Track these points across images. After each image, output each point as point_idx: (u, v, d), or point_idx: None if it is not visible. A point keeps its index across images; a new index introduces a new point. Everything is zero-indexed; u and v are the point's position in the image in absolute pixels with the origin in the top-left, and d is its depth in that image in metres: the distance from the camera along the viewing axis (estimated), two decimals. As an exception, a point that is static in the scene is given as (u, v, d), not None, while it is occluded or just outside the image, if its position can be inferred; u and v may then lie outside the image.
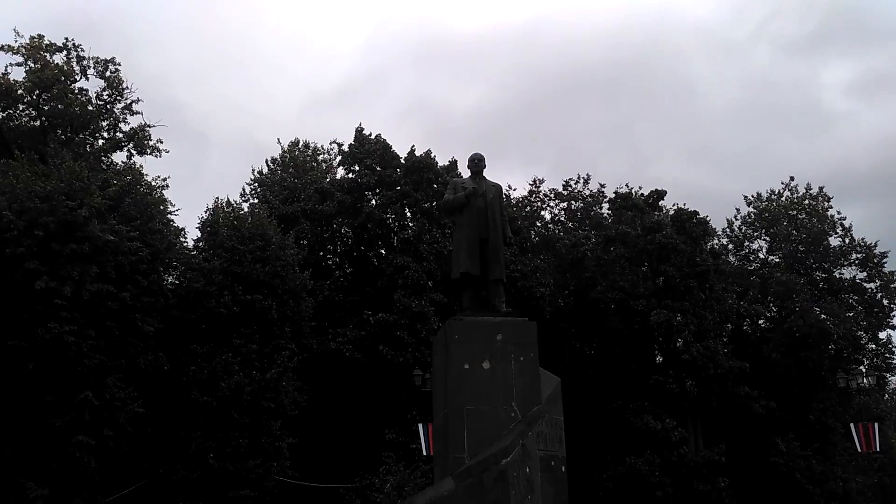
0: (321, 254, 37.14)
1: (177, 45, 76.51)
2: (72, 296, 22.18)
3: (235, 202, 32.97)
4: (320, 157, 40.83)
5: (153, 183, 27.20)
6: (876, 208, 70.02)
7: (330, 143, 39.91)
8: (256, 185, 38.93)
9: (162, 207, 26.61)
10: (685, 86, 78.47)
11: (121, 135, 28.82)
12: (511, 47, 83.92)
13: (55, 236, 22.49)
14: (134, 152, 28.78)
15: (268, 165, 39.95)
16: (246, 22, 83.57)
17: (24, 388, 22.37)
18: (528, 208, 44.87)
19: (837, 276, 44.03)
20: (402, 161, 35.76)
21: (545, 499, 13.44)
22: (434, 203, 39.14)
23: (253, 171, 39.77)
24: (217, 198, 29.02)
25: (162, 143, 29.10)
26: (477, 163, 15.56)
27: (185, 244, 28.71)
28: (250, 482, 25.33)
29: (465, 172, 16.50)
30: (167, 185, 27.13)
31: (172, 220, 27.60)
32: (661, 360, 40.18)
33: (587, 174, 45.17)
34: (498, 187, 15.59)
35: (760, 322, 43.61)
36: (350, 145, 36.25)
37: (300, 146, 41.41)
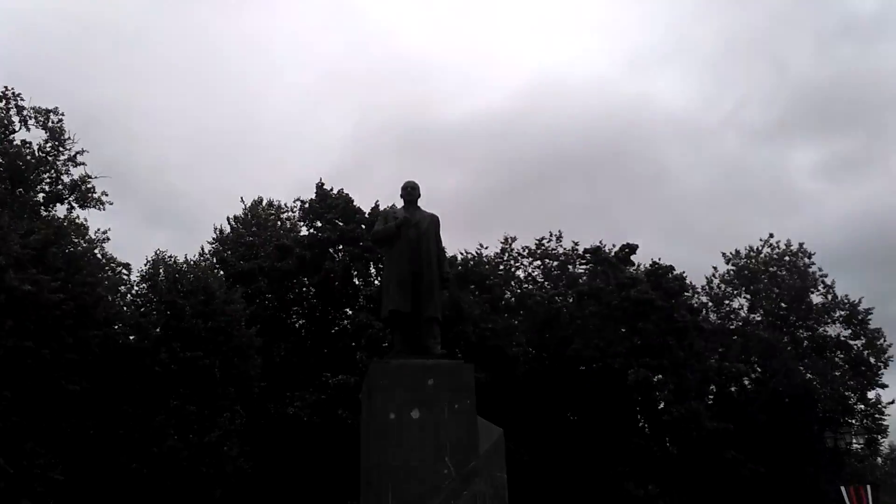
0: (282, 315, 35.41)
1: (175, 137, 78.70)
2: (-16, 352, 20.39)
3: (192, 260, 31.25)
4: (284, 216, 39.42)
5: (93, 236, 25.64)
6: (845, 284, 70.69)
7: (293, 201, 38.55)
8: (217, 244, 37.36)
9: (89, 257, 24.73)
10: (660, 170, 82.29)
11: (61, 187, 27.38)
12: (490, 136, 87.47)
13: (-32, 287, 20.75)
14: (75, 205, 27.37)
15: (229, 224, 38.48)
16: (242, 115, 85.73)
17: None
18: (502, 267, 43.48)
19: (822, 334, 42.49)
20: (367, 216, 34.44)
21: (483, 571, 11.58)
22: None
23: (215, 229, 38.27)
24: (157, 250, 27.42)
25: (107, 195, 27.69)
26: (410, 191, 14.10)
27: (120, 300, 26.81)
28: (188, 559, 23.03)
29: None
30: (107, 239, 25.57)
31: (108, 275, 25.84)
32: (642, 422, 38.32)
33: (559, 231, 44.00)
34: (433, 217, 14.09)
35: (745, 382, 41.84)
36: (311, 200, 34.95)
37: (263, 204, 40.04)
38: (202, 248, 35.53)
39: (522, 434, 36.06)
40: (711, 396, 40.02)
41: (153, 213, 70.39)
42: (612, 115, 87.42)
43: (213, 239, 37.65)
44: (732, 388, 41.07)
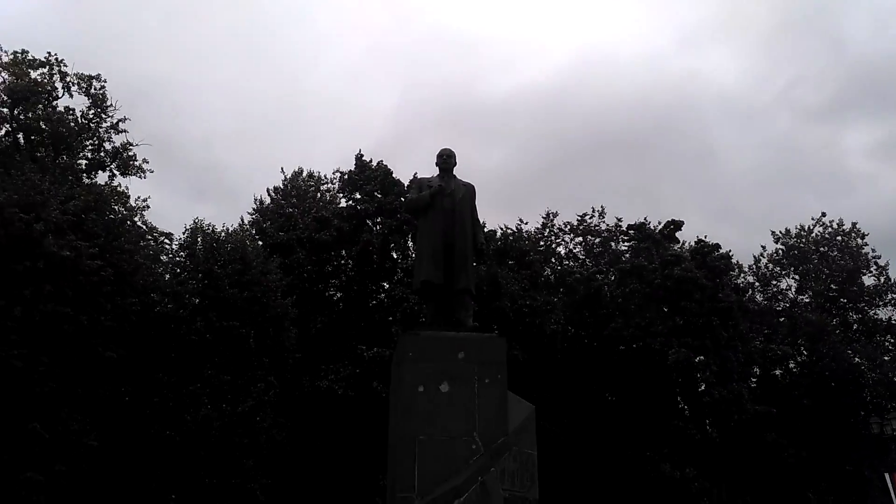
0: (320, 287, 35.31)
1: (220, 109, 79.15)
2: (22, 317, 20.48)
3: (230, 229, 31.12)
4: (323, 187, 39.26)
5: (133, 204, 25.73)
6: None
7: (333, 172, 38.37)
8: (257, 214, 37.37)
9: (130, 224, 24.82)
10: (708, 149, 79.86)
11: (103, 154, 27.49)
12: (535, 112, 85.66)
13: (7, 252, 20.86)
14: (117, 173, 27.47)
15: (269, 195, 38.46)
16: (287, 89, 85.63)
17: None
18: (542, 243, 42.88)
19: (873, 317, 41.19)
20: (406, 188, 34.05)
21: (511, 549, 11.25)
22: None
23: (255, 200, 38.28)
24: (196, 219, 27.41)
25: (148, 162, 27.76)
26: (446, 159, 13.66)
27: (160, 268, 26.84)
28: (219, 527, 23.13)
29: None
30: (147, 207, 25.64)
31: (149, 243, 25.92)
32: (681, 404, 37.61)
33: (602, 206, 43.22)
34: (469, 187, 13.64)
35: (790, 365, 40.78)
36: (350, 171, 34.68)
37: (303, 176, 39.92)
38: (242, 220, 35.55)
39: (558, 413, 35.63)
40: (755, 379, 39.10)
41: (199, 186, 71.09)
42: (660, 92, 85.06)
43: (253, 210, 37.67)
44: (777, 371, 40.08)
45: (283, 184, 38.90)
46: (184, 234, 27.36)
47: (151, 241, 27.03)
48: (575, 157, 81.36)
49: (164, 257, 27.22)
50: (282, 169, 39.22)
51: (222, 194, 74.91)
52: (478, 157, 77.46)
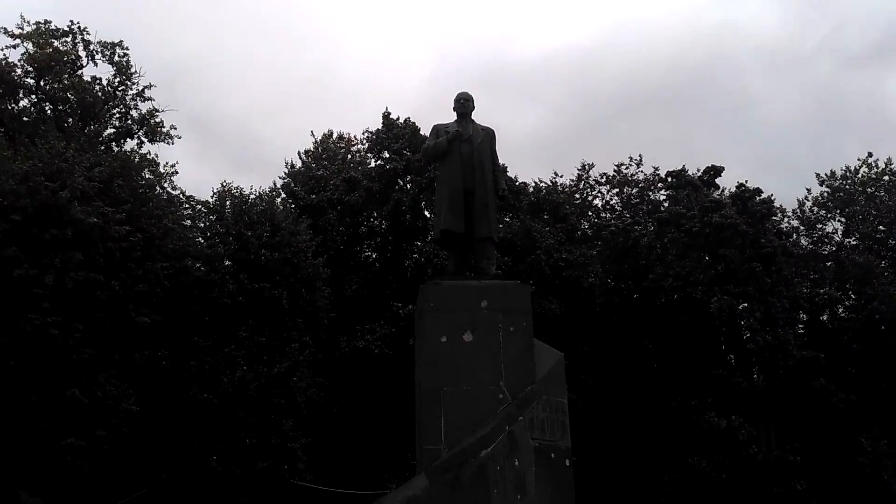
0: (354, 248, 35.19)
1: (258, 83, 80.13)
2: (54, 285, 20.60)
3: (258, 192, 30.87)
4: (353, 148, 38.98)
5: (163, 171, 25.68)
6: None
7: (362, 133, 37.99)
8: (289, 179, 37.25)
9: (160, 189, 24.78)
10: (747, 101, 78.18)
11: (130, 122, 27.48)
12: (570, 71, 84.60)
13: (34, 221, 20.97)
14: (145, 140, 27.47)
15: (301, 158, 38.29)
16: (323, 60, 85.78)
17: (5, 386, 20.75)
18: (578, 196, 42.16)
19: (923, 257, 39.82)
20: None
21: (542, 500, 10.96)
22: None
23: (286, 164, 38.15)
24: (224, 182, 27.28)
25: (175, 129, 27.68)
26: (463, 103, 13.16)
27: (191, 233, 26.77)
28: (260, 486, 23.28)
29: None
30: (176, 172, 25.57)
31: (180, 208, 25.88)
32: (727, 353, 36.90)
33: (640, 156, 42.23)
34: (489, 131, 13.15)
35: (839, 310, 39.69)
36: (377, 130, 34.28)
37: (334, 138, 39.66)
38: (273, 183, 35.48)
39: (599, 366, 35.28)
40: (801, 326, 38.16)
41: (240, 160, 71.79)
42: (697, 46, 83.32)
43: (285, 174, 37.54)
44: (825, 317, 39.05)
45: (314, 146, 38.67)
46: (212, 197, 27.34)
47: (183, 207, 26.97)
48: (611, 116, 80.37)
49: (188, 222, 27.10)
50: (311, 132, 39.02)
51: (263, 166, 75.76)
52: (513, 118, 76.85)
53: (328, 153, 38.15)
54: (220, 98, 76.51)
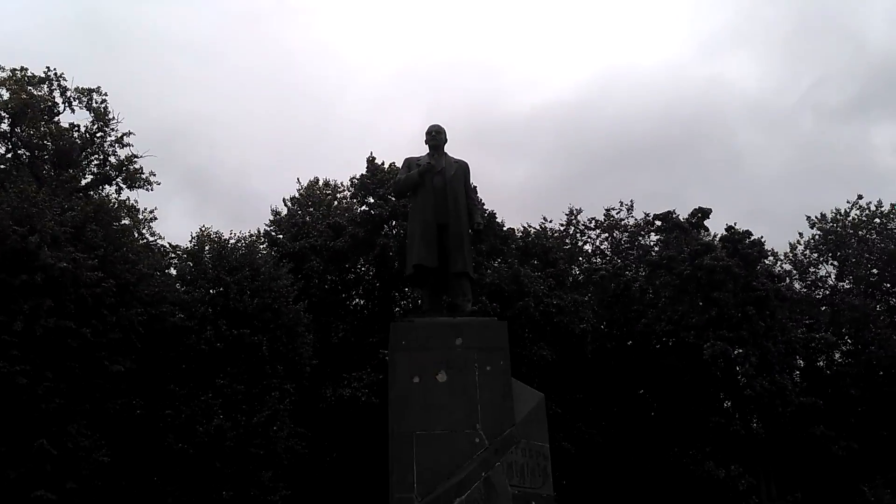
0: (342, 296, 34.52)
1: (255, 142, 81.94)
2: (24, 332, 19.86)
3: (238, 236, 30.07)
4: (340, 195, 38.54)
5: (142, 217, 25.10)
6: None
7: (348, 179, 37.63)
8: (273, 226, 36.70)
9: (137, 235, 24.12)
10: (734, 153, 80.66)
11: (108, 168, 27.02)
12: (559, 127, 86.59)
13: (3, 266, 20.21)
14: (123, 186, 26.98)
15: (286, 205, 37.80)
16: (318, 117, 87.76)
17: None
18: (568, 241, 41.73)
19: (919, 300, 39.29)
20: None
21: (521, 552, 10.20)
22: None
23: (271, 211, 37.64)
24: (203, 226, 26.73)
25: (154, 175, 27.25)
26: (434, 135, 12.71)
27: (165, 279, 26.07)
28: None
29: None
30: (154, 218, 24.99)
31: (156, 253, 25.22)
32: (723, 399, 36.05)
33: (630, 201, 41.98)
34: (462, 164, 12.68)
35: (836, 356, 39.00)
36: (362, 176, 33.91)
37: (319, 185, 39.27)
38: (258, 230, 34.91)
39: (593, 413, 34.41)
40: (798, 371, 37.46)
41: (237, 215, 72.29)
42: (684, 101, 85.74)
43: (270, 221, 37.00)
44: (821, 362, 38.36)
45: (299, 193, 38.24)
46: (191, 242, 26.72)
47: (161, 253, 26.32)
48: (600, 169, 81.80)
49: (172, 270, 26.45)
50: (298, 179, 38.62)
51: (260, 220, 75.98)
52: (503, 171, 77.97)
53: (313, 200, 37.67)
54: (217, 154, 78.08)
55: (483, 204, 36.13)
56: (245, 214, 75.95)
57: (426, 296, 12.15)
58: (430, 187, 12.13)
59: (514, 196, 75.01)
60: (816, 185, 79.41)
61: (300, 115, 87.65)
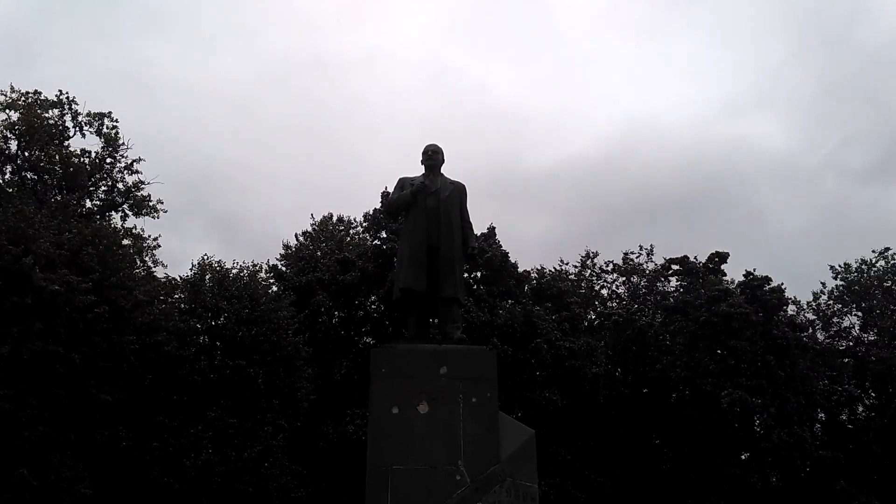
0: (350, 331, 33.85)
1: (284, 189, 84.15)
2: (10, 356, 19.31)
3: (239, 265, 29.47)
4: (353, 231, 38.18)
5: (148, 243, 24.71)
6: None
7: (363, 215, 37.28)
8: (284, 260, 36.30)
9: (139, 262, 23.63)
10: (756, 212, 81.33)
11: (115, 194, 26.80)
12: (580, 181, 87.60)
13: (-6, 287, 19.85)
14: (129, 213, 26.71)
15: (297, 240, 37.46)
16: (346, 167, 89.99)
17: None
18: (584, 285, 40.92)
19: (947, 355, 37.81)
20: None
21: None
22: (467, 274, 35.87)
23: (283, 245, 37.29)
24: (205, 255, 26.26)
25: (162, 203, 26.99)
26: (431, 155, 12.18)
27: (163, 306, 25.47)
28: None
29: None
30: (158, 245, 24.64)
31: (154, 281, 24.77)
32: (743, 453, 34.72)
33: (650, 245, 41.15)
34: (458, 186, 12.12)
35: (859, 409, 37.61)
36: (374, 210, 33.49)
37: (333, 220, 38.94)
38: (267, 262, 34.46)
39: (604, 462, 33.24)
40: (819, 424, 36.13)
41: (263, 256, 73.69)
42: (706, 160, 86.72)
43: (280, 256, 36.62)
44: (843, 416, 36.98)
45: (312, 228, 37.91)
46: (191, 270, 26.25)
47: (167, 282, 25.86)
48: (620, 224, 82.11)
49: (171, 298, 25.86)
50: (311, 215, 38.37)
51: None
52: (523, 225, 78.50)
53: (325, 235, 37.31)
54: (246, 200, 79.99)
55: (500, 246, 35.66)
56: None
57: (413, 322, 11.50)
58: (423, 208, 11.57)
59: (532, 249, 75.27)
60: (838, 244, 79.31)
61: (329, 163, 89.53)
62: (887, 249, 40.69)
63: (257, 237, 75.99)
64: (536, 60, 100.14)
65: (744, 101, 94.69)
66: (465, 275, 35.19)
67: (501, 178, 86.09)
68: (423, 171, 12.17)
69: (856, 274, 40.77)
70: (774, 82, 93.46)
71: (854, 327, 40.16)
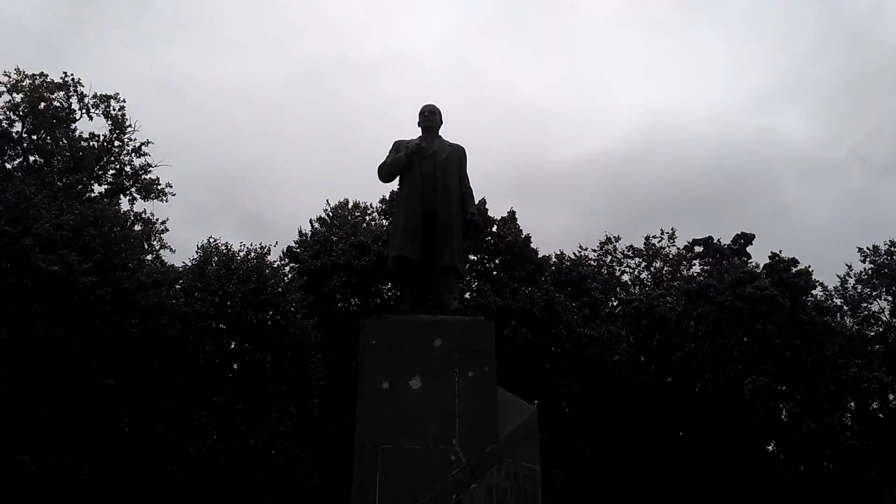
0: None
1: (312, 189, 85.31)
2: (9, 339, 18.81)
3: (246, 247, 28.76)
4: (368, 216, 37.46)
5: (157, 227, 24.19)
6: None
7: (378, 200, 36.59)
8: (299, 246, 35.68)
9: (132, 241, 23.02)
10: (781, 206, 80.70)
11: (123, 178, 26.34)
12: (603, 177, 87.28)
13: (-7, 268, 19.37)
14: (137, 196, 26.25)
15: (311, 226, 36.81)
16: (373, 169, 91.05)
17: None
18: (605, 270, 39.99)
19: (979, 340, 36.53)
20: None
21: (500, 591, 8.62)
22: (486, 258, 35.11)
23: (299, 233, 36.66)
24: (210, 237, 25.59)
25: (171, 186, 26.47)
26: (428, 116, 11.38)
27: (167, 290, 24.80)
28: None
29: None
30: (166, 229, 24.07)
31: (158, 263, 24.25)
32: (769, 443, 33.65)
33: (672, 228, 40.10)
34: (457, 149, 11.30)
35: (890, 398, 36.37)
36: (391, 192, 32.77)
37: (349, 206, 38.25)
38: (283, 250, 33.87)
39: (625, 451, 32.38)
40: (849, 414, 34.95)
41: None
42: (730, 154, 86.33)
43: (295, 242, 36.01)
44: (875, 404, 35.76)
45: (327, 214, 37.26)
46: (196, 253, 25.59)
47: (164, 263, 25.30)
48: (643, 220, 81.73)
49: (177, 286, 25.17)
50: (327, 201, 37.74)
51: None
52: (546, 220, 78.73)
53: (341, 220, 36.62)
54: (274, 199, 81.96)
55: (521, 231, 34.87)
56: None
57: (408, 292, 10.74)
58: (419, 171, 10.77)
59: (555, 245, 75.40)
60: (863, 237, 78.26)
61: (355, 165, 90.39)
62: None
63: (285, 236, 77.03)
64: (558, 58, 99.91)
65: (768, 95, 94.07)
66: (475, 255, 34.66)
67: (525, 174, 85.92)
68: (421, 133, 11.40)
69: (885, 256, 39.45)
70: (798, 77, 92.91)
71: (884, 312, 38.95)
